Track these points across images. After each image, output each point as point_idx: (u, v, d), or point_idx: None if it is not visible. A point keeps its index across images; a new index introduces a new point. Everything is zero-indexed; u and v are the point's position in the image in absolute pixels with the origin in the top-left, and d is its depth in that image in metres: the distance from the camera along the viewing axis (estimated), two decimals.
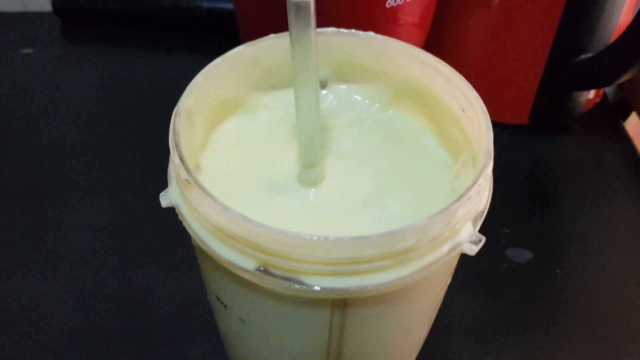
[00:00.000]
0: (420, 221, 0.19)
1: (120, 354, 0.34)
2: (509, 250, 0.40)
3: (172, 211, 0.23)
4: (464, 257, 0.23)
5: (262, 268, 0.20)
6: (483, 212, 0.22)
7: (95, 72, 0.54)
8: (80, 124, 0.49)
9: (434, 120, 0.27)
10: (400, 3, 0.35)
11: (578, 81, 0.45)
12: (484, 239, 0.22)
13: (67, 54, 0.57)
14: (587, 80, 0.45)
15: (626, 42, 0.40)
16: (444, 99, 0.26)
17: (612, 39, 0.43)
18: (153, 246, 0.39)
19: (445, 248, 0.21)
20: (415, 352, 0.30)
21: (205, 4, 0.56)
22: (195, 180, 0.20)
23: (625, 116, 0.51)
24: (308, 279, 0.20)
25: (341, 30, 0.27)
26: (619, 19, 0.43)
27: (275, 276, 0.20)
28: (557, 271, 0.39)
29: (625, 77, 0.42)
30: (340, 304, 0.22)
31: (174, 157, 0.22)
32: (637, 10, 0.42)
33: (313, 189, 0.25)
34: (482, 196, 0.22)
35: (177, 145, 0.21)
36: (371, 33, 0.27)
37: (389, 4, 0.35)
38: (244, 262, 0.20)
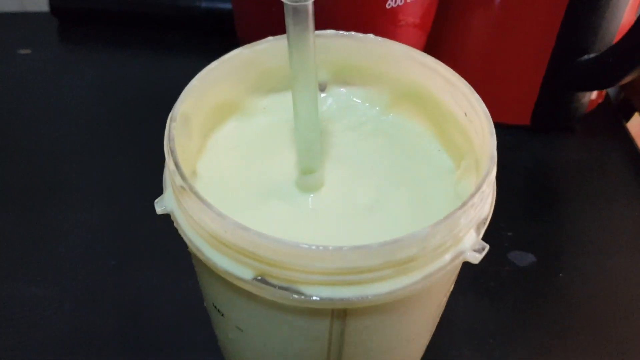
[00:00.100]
0: (422, 230, 0.19)
1: (118, 359, 0.34)
2: (511, 253, 0.40)
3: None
4: (465, 262, 0.22)
5: (260, 277, 0.20)
6: (486, 219, 0.22)
7: (93, 72, 0.53)
8: (78, 125, 0.48)
9: (435, 124, 0.27)
10: (400, 4, 0.35)
11: (581, 82, 0.44)
12: (487, 247, 0.21)
13: (65, 54, 0.57)
14: (590, 81, 0.44)
15: (629, 43, 0.40)
16: (446, 102, 0.25)
17: (615, 40, 0.43)
18: (152, 249, 0.39)
19: (447, 257, 0.21)
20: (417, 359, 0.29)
21: (204, 4, 0.55)
22: (191, 188, 0.20)
23: (628, 117, 0.51)
24: (307, 289, 0.20)
25: (340, 32, 0.26)
26: (622, 19, 0.42)
27: (273, 286, 0.20)
28: (560, 274, 0.39)
29: (628, 78, 0.41)
30: (340, 314, 0.21)
31: (169, 164, 0.21)
32: None
33: (312, 195, 0.24)
34: (485, 203, 0.22)
35: (172, 152, 0.21)
36: (371, 35, 0.26)
37: (389, 4, 0.35)
38: (241, 271, 0.20)
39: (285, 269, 0.19)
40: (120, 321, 0.35)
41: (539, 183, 0.45)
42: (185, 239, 0.21)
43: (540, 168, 0.46)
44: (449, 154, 0.26)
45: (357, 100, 0.29)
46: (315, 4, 0.21)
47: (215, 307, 0.25)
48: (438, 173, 0.26)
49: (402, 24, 0.36)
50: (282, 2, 0.20)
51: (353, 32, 0.26)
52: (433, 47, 0.41)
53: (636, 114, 0.50)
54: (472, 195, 0.20)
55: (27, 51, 0.55)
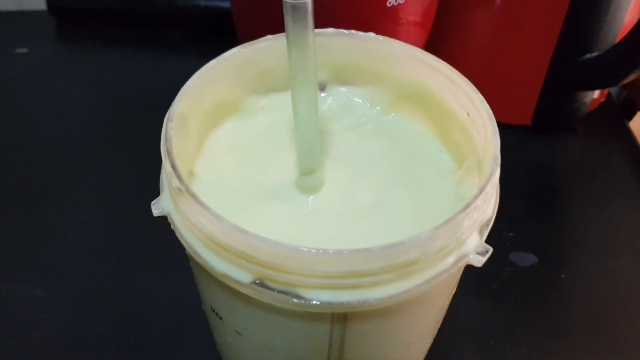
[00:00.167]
0: (424, 232, 0.19)
1: None
2: (512, 254, 0.39)
3: None
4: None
5: (259, 281, 0.20)
6: (490, 220, 0.22)
7: (91, 71, 0.53)
8: (75, 124, 0.48)
9: (437, 124, 0.27)
10: (401, 2, 0.35)
11: (583, 81, 0.44)
12: (491, 249, 0.21)
13: (63, 53, 0.57)
14: (592, 80, 0.44)
15: (632, 41, 0.40)
16: (448, 102, 0.25)
17: (618, 38, 0.43)
18: (151, 250, 0.39)
19: (450, 260, 0.20)
20: None
21: (202, 3, 0.55)
22: (188, 189, 0.20)
23: (631, 116, 0.50)
24: (307, 293, 0.19)
25: (341, 31, 0.26)
26: (625, 18, 0.42)
27: (272, 290, 0.20)
28: (562, 275, 0.38)
29: (631, 77, 0.41)
30: (341, 318, 0.21)
31: (165, 165, 0.21)
32: None
33: (312, 196, 0.24)
34: (489, 204, 0.21)
35: (169, 152, 0.21)
36: (372, 34, 0.26)
37: (390, 2, 0.34)
38: (239, 274, 0.20)
39: (285, 272, 0.19)
40: (119, 322, 0.35)
41: (541, 183, 0.45)
42: (182, 241, 0.21)
43: (542, 168, 0.46)
44: (450, 154, 0.26)
45: (358, 100, 0.28)
46: (314, 2, 0.20)
47: (213, 310, 0.24)
48: (439, 174, 0.26)
49: (402, 22, 0.36)
50: (281, 0, 0.20)
51: (353, 31, 0.26)
52: (433, 46, 0.41)
53: (639, 113, 0.50)
54: (476, 197, 0.20)
55: (25, 50, 0.55)
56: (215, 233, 0.19)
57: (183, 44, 0.56)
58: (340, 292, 0.19)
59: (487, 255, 0.21)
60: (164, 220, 0.22)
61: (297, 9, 0.20)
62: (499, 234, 0.40)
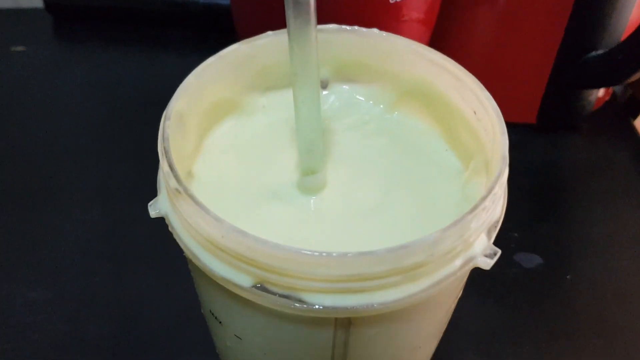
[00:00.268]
0: (431, 234, 0.18)
1: None
2: (517, 255, 0.39)
3: None
4: None
5: (259, 285, 0.19)
6: (498, 222, 0.21)
7: (89, 69, 0.53)
8: (73, 124, 0.48)
9: (442, 123, 0.26)
10: None
11: (588, 79, 0.44)
12: (499, 251, 0.21)
13: (60, 51, 0.56)
14: (598, 78, 0.44)
15: (638, 39, 0.39)
16: (454, 100, 0.25)
17: (624, 36, 0.43)
18: (149, 251, 0.38)
19: (457, 262, 0.20)
20: None
21: (202, 0, 0.55)
22: (186, 190, 0.19)
23: (636, 114, 0.50)
24: (309, 297, 0.19)
25: (343, 27, 0.26)
26: (631, 15, 0.42)
27: (273, 294, 0.19)
28: (568, 276, 0.38)
29: (637, 75, 0.41)
30: (344, 323, 0.21)
31: (163, 165, 0.21)
32: None
33: (314, 197, 0.24)
34: (497, 205, 0.21)
35: (166, 152, 0.20)
36: (375, 30, 0.26)
37: None
38: (239, 278, 0.19)
39: (286, 276, 0.19)
40: (118, 324, 0.35)
41: (545, 183, 0.45)
42: (180, 244, 0.21)
43: (546, 167, 0.46)
44: (456, 154, 0.26)
45: (361, 98, 0.28)
46: None
47: (212, 314, 0.24)
48: (445, 174, 0.25)
49: (405, 19, 0.36)
50: None
51: (356, 27, 0.26)
52: (436, 43, 0.41)
53: None
54: (484, 198, 0.19)
55: (21, 48, 0.55)
56: (215, 235, 0.19)
57: (182, 42, 0.56)
58: (343, 296, 0.19)
59: (496, 258, 0.20)
60: (163, 220, 0.22)
61: (299, 3, 0.20)
62: (503, 235, 0.39)
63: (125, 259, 0.38)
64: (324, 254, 0.18)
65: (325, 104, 0.28)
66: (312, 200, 0.24)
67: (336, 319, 0.20)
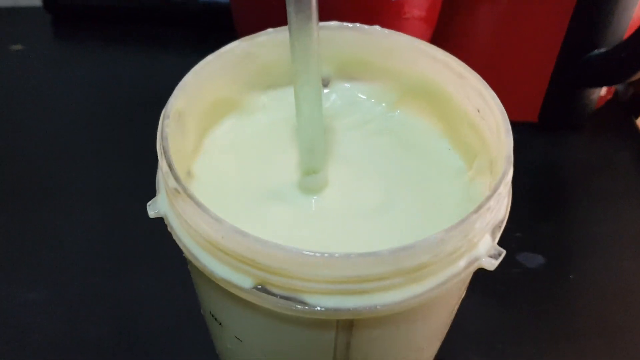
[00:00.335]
0: (435, 235, 0.18)
1: None
2: (519, 254, 0.39)
3: None
4: None
5: (260, 286, 0.19)
6: (502, 222, 0.21)
7: (87, 69, 0.53)
8: (71, 123, 0.48)
9: (445, 122, 0.26)
10: None
11: (590, 78, 0.44)
12: (503, 252, 0.20)
13: (58, 50, 0.56)
14: (600, 77, 0.44)
15: None
16: (457, 98, 0.25)
17: (626, 34, 0.42)
18: (148, 252, 0.38)
19: (461, 263, 0.20)
20: None
21: None
22: (185, 190, 0.19)
23: (638, 113, 0.50)
24: (311, 299, 0.19)
25: (345, 24, 0.26)
26: (634, 13, 0.42)
27: (275, 295, 0.19)
28: (571, 276, 0.38)
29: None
30: (346, 325, 0.20)
31: (161, 164, 0.20)
32: None
33: (315, 197, 0.24)
34: (501, 205, 0.21)
35: (165, 151, 0.20)
36: (377, 27, 0.25)
37: None
38: (240, 279, 0.19)
39: (288, 277, 0.18)
40: (117, 325, 0.34)
41: (547, 182, 0.45)
42: (179, 244, 0.21)
43: (548, 166, 0.46)
44: (459, 153, 0.26)
45: (362, 96, 0.28)
46: None
47: (212, 315, 0.24)
48: (448, 173, 0.25)
49: (407, 16, 0.36)
50: None
51: (358, 24, 0.25)
52: (438, 42, 0.40)
53: None
54: (489, 198, 0.19)
55: (19, 47, 0.55)
56: (214, 236, 0.19)
57: (181, 41, 0.56)
58: (346, 297, 0.19)
59: (500, 259, 0.20)
60: (162, 220, 0.22)
61: None
62: (505, 234, 0.40)
63: (124, 260, 0.38)
64: (326, 254, 0.18)
65: (327, 103, 0.27)
66: (313, 200, 0.24)
67: (338, 320, 0.20)
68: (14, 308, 0.35)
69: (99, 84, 0.51)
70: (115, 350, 0.33)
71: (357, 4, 0.34)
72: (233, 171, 0.24)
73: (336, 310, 0.19)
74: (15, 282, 0.36)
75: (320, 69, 0.23)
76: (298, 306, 0.19)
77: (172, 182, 0.19)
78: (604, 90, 0.47)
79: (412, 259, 0.18)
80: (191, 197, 0.19)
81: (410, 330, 0.22)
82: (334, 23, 0.25)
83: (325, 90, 0.28)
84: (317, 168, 0.23)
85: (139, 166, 0.40)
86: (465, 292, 0.24)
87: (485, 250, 0.20)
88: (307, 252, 0.18)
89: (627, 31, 0.42)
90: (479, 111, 0.23)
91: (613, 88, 0.49)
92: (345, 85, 0.28)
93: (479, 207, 0.19)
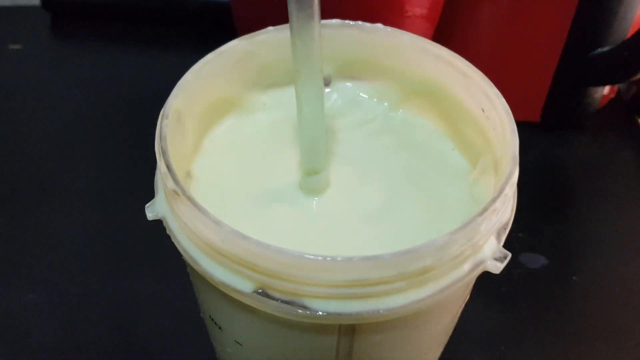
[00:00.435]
0: (440, 238, 0.18)
1: None
2: (522, 255, 0.39)
3: None
4: None
5: (261, 290, 0.19)
6: (507, 224, 0.21)
7: (86, 68, 0.53)
8: (69, 123, 0.47)
9: (448, 121, 0.26)
10: None
11: (593, 77, 0.43)
12: (509, 255, 0.20)
13: (57, 49, 0.56)
14: (603, 76, 0.43)
15: None
16: (461, 97, 0.24)
17: (630, 33, 0.42)
18: (147, 253, 0.38)
19: (466, 267, 0.19)
20: None
21: None
22: (184, 192, 0.19)
23: None
24: (312, 303, 0.18)
25: (346, 22, 0.25)
26: (637, 12, 0.41)
27: (275, 299, 0.19)
28: (574, 277, 0.38)
29: None
30: (348, 330, 0.20)
31: (160, 165, 0.20)
32: None
33: (316, 198, 0.23)
34: (507, 207, 0.20)
35: (163, 152, 0.20)
36: (379, 25, 0.25)
37: None
38: (240, 283, 0.19)
39: (289, 281, 0.18)
40: (115, 328, 0.34)
41: (549, 182, 0.44)
42: (178, 247, 0.20)
43: (551, 166, 0.45)
44: (463, 153, 0.25)
45: (364, 96, 0.28)
46: None
47: (212, 319, 0.24)
48: (451, 174, 0.25)
49: (409, 15, 0.36)
50: None
51: (360, 22, 0.25)
52: (439, 40, 0.40)
53: None
54: (494, 200, 0.19)
55: (18, 47, 0.55)
56: (214, 239, 0.18)
57: (181, 40, 0.55)
58: (348, 302, 0.18)
59: (506, 262, 0.20)
60: (160, 223, 0.21)
61: None
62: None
63: (123, 261, 0.38)
64: (328, 258, 0.17)
65: (328, 102, 0.27)
66: (315, 202, 0.23)
67: (340, 325, 0.20)
68: (12, 309, 0.35)
69: (98, 83, 0.51)
70: (114, 353, 0.33)
71: (358, 2, 0.34)
72: (233, 172, 0.24)
73: (338, 315, 0.18)
74: (14, 284, 0.36)
75: (322, 68, 0.23)
76: (299, 311, 0.18)
77: (170, 184, 0.19)
78: (606, 90, 0.46)
79: (416, 262, 0.18)
80: (190, 199, 0.19)
81: (413, 334, 0.22)
82: (335, 21, 0.25)
83: (327, 90, 0.27)
84: (319, 168, 0.23)
85: (139, 166, 0.40)
86: (469, 295, 0.24)
87: (490, 253, 0.20)
88: (309, 256, 0.17)
89: (630, 30, 0.42)
90: (483, 110, 0.23)
91: (616, 87, 0.48)
92: (347, 84, 0.28)
93: (485, 209, 0.18)
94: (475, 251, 0.19)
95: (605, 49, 0.42)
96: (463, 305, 0.24)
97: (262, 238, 0.18)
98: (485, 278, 0.36)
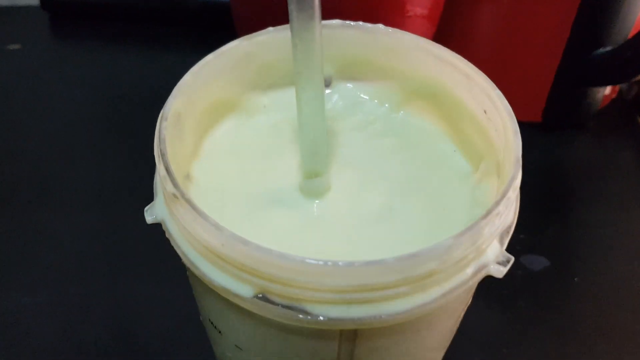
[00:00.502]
0: (443, 241, 0.18)
1: None
2: (523, 257, 0.39)
3: None
4: None
5: (261, 295, 0.19)
6: (510, 227, 0.20)
7: (85, 68, 0.53)
8: (69, 124, 0.47)
9: (450, 123, 0.26)
10: None
11: (595, 77, 0.43)
12: (512, 258, 0.20)
13: (56, 49, 0.56)
14: (605, 76, 0.43)
15: None
16: (463, 98, 0.24)
17: (631, 33, 0.42)
18: (146, 256, 0.38)
19: (469, 271, 0.19)
20: None
21: None
22: (183, 195, 0.19)
23: None
24: (313, 308, 0.18)
25: (347, 22, 0.25)
26: (639, 12, 0.41)
27: (276, 304, 0.18)
28: (575, 279, 0.38)
29: None
30: (350, 336, 0.20)
31: (159, 168, 0.20)
32: None
33: (317, 201, 0.23)
34: (510, 210, 0.20)
35: (162, 155, 0.20)
36: (380, 25, 0.25)
37: None
38: (240, 288, 0.19)
39: (290, 286, 0.18)
40: (113, 331, 0.34)
41: (551, 183, 0.44)
42: (178, 251, 0.20)
43: (552, 166, 0.45)
44: (465, 156, 0.25)
45: (365, 97, 0.27)
46: None
47: (211, 323, 0.23)
48: (453, 176, 0.24)
49: (409, 14, 0.36)
50: None
51: (361, 22, 0.25)
52: (440, 40, 0.40)
53: None
54: (498, 203, 0.18)
55: (17, 47, 0.55)
56: (214, 243, 0.18)
57: (181, 40, 0.55)
58: (350, 307, 0.18)
59: (509, 265, 0.20)
60: (159, 225, 0.21)
61: None
62: None
63: (123, 263, 0.38)
64: (330, 263, 0.17)
65: (329, 104, 0.27)
66: (315, 205, 0.23)
67: (341, 330, 0.20)
68: (12, 309, 0.35)
69: (97, 83, 0.51)
70: (113, 354, 0.33)
71: (359, 2, 0.34)
72: (233, 174, 0.24)
73: (339, 320, 0.18)
74: (14, 284, 0.36)
75: (323, 69, 0.22)
76: (300, 316, 0.18)
77: (170, 187, 0.19)
78: (608, 90, 0.46)
79: (419, 267, 0.18)
80: (190, 202, 0.18)
81: (415, 339, 0.22)
82: (336, 22, 0.25)
83: (327, 91, 0.27)
84: (320, 171, 0.23)
85: (139, 166, 0.40)
86: (471, 299, 0.24)
87: (493, 257, 0.20)
88: (310, 261, 0.17)
89: (632, 30, 0.42)
90: (485, 112, 0.23)
91: (617, 87, 0.48)
92: (348, 85, 0.27)
93: (488, 213, 0.18)
94: (479, 255, 0.19)
95: (607, 49, 0.42)
96: (465, 309, 0.24)
97: (262, 241, 0.18)
98: (486, 280, 0.36)
